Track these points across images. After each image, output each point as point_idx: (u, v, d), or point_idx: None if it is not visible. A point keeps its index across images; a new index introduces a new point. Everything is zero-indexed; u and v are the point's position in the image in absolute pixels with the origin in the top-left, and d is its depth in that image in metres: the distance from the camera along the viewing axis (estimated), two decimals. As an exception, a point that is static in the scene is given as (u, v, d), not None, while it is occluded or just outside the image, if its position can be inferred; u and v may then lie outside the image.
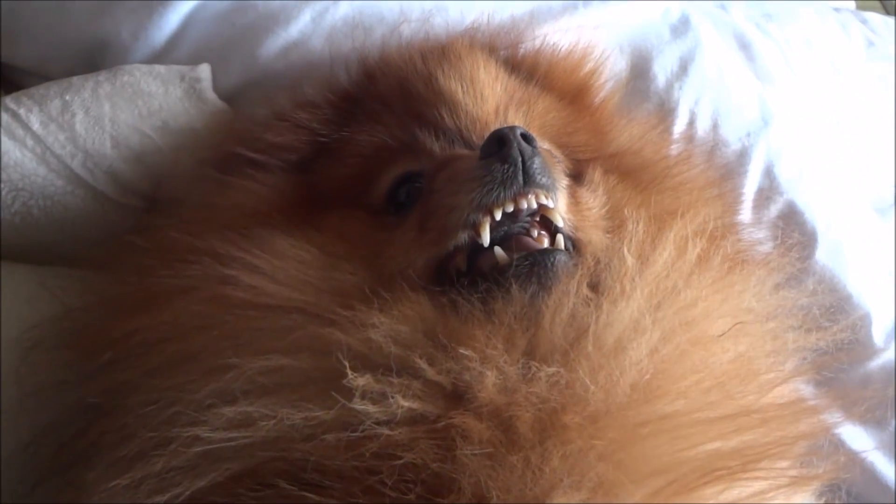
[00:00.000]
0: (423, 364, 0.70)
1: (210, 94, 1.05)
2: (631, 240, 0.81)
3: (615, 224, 0.89)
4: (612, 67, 1.14)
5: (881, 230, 1.24)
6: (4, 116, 0.99)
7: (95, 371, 0.79)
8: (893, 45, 1.54)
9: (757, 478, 0.71)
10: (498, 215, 0.78)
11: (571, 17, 1.22)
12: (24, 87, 1.07)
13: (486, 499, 0.64)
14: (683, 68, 1.22)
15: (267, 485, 0.67)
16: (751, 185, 1.17)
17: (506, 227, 0.79)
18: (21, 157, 0.98)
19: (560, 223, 0.82)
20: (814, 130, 1.29)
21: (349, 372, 0.69)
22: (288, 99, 1.02)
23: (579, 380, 0.69)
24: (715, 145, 1.17)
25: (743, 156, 1.18)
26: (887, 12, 1.97)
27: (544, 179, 0.79)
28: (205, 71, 1.07)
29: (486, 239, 0.78)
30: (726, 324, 0.77)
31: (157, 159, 1.01)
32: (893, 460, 1.06)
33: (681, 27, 1.27)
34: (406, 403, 0.68)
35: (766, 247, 1.10)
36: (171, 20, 1.11)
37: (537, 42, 1.09)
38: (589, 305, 0.74)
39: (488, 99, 0.93)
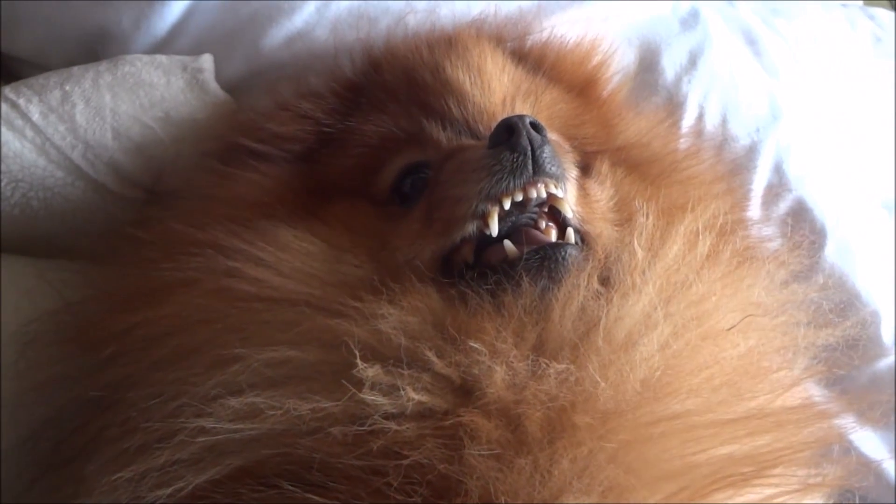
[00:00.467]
0: (432, 356, 0.69)
1: (212, 85, 1.04)
2: (641, 233, 0.80)
3: (623, 217, 0.88)
4: (620, 60, 1.13)
5: (890, 228, 1.23)
6: (4, 107, 0.97)
7: (97, 365, 0.78)
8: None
9: (770, 484, 0.70)
10: (507, 205, 0.77)
11: (579, 9, 1.20)
12: (23, 78, 1.06)
13: (493, 502, 0.63)
14: (692, 62, 1.20)
15: (270, 485, 0.66)
16: (760, 181, 1.15)
17: (513, 218, 0.78)
18: (20, 148, 0.96)
19: (569, 214, 0.81)
20: (822, 127, 1.28)
21: (359, 362, 0.68)
22: (291, 89, 1.01)
23: (589, 376, 0.68)
24: (724, 140, 1.16)
25: (752, 151, 1.16)
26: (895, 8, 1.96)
27: (554, 169, 0.78)
28: (207, 61, 1.05)
29: (494, 229, 0.77)
30: (736, 318, 0.77)
31: (159, 151, 0.99)
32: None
33: (690, 20, 1.26)
34: (415, 396, 0.67)
35: (775, 243, 1.09)
36: (174, 10, 1.09)
37: (545, 34, 1.07)
38: (599, 299, 0.73)
39: (495, 90, 0.92)
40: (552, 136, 0.87)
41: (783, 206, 1.15)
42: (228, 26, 1.10)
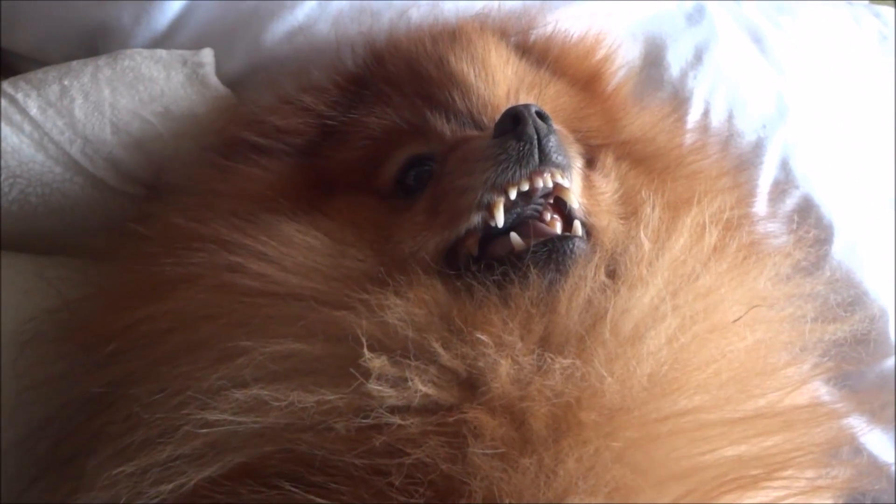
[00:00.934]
0: (438, 348, 0.68)
1: (213, 80, 1.03)
2: (647, 224, 0.79)
3: (627, 210, 0.87)
4: (624, 55, 1.12)
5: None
6: (2, 101, 0.97)
7: (98, 363, 0.77)
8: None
9: (779, 486, 0.69)
10: (513, 194, 0.76)
11: (583, 4, 1.19)
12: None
13: (497, 503, 0.62)
14: (698, 57, 1.19)
15: (270, 486, 0.65)
16: (766, 178, 1.14)
17: (518, 210, 0.78)
18: (19, 144, 0.96)
19: (575, 205, 0.80)
20: (827, 124, 1.26)
21: (366, 352, 0.67)
22: (293, 83, 1.00)
23: (595, 371, 0.67)
24: (729, 136, 1.15)
25: (758, 147, 1.15)
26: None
27: (560, 158, 0.78)
28: (207, 56, 1.04)
29: (500, 220, 0.76)
30: (742, 310, 0.76)
31: (158, 146, 0.98)
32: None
33: (696, 15, 1.26)
34: (423, 388, 0.66)
35: (782, 239, 1.08)
36: (174, 4, 1.08)
37: (549, 28, 1.06)
38: (606, 292, 0.72)
39: (500, 82, 0.91)
40: (557, 126, 0.86)
41: (790, 202, 1.14)
42: (229, 21, 1.09)
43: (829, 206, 1.14)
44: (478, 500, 0.62)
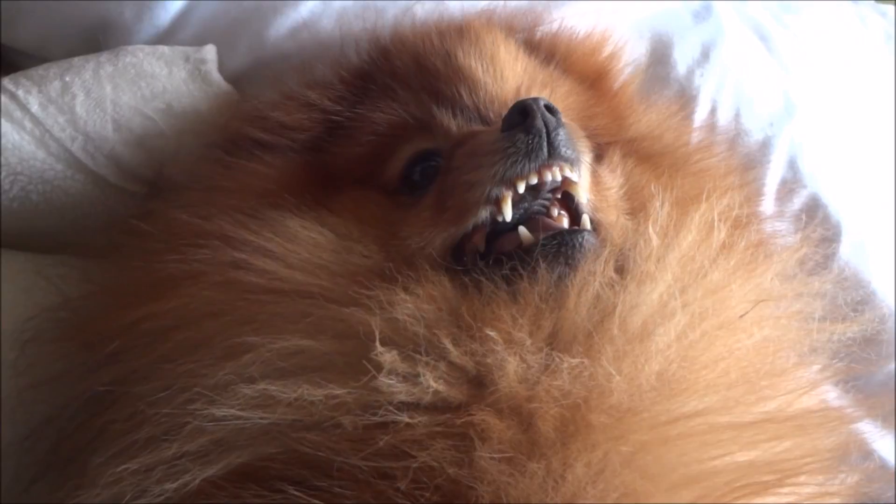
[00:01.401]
0: (448, 344, 0.67)
1: (215, 76, 1.02)
2: (656, 220, 0.78)
3: (634, 207, 0.86)
4: (631, 52, 1.10)
5: None
6: (3, 98, 0.96)
7: (100, 361, 0.76)
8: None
9: (790, 493, 0.68)
10: (521, 188, 0.75)
11: (588, 2, 1.18)
12: (24, 70, 1.04)
13: None
14: (705, 55, 1.18)
15: (274, 490, 0.64)
16: (774, 176, 1.14)
17: (525, 205, 0.77)
18: (19, 141, 0.95)
19: (584, 200, 0.79)
20: (834, 124, 1.25)
21: (378, 346, 0.66)
22: (297, 79, 0.99)
23: (603, 370, 0.66)
24: (736, 134, 1.14)
25: (766, 146, 1.15)
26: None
27: (569, 152, 0.77)
28: (210, 52, 1.03)
29: (508, 214, 0.76)
30: (750, 306, 0.75)
31: (160, 143, 0.97)
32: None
33: (703, 13, 1.25)
34: (433, 384, 0.65)
35: (789, 238, 1.07)
36: (176, 1, 1.08)
37: (554, 25, 1.05)
38: (614, 287, 0.71)
39: (508, 78, 0.90)
40: (566, 120, 0.85)
41: (797, 201, 1.14)
42: (232, 17, 1.09)
43: (837, 206, 1.13)
44: None
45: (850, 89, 1.35)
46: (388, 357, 0.66)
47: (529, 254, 0.73)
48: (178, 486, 0.65)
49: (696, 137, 1.08)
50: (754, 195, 1.07)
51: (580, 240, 0.74)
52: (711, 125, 1.14)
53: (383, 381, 0.65)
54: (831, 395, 0.87)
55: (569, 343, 0.68)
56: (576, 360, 0.66)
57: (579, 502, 0.61)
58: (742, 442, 0.67)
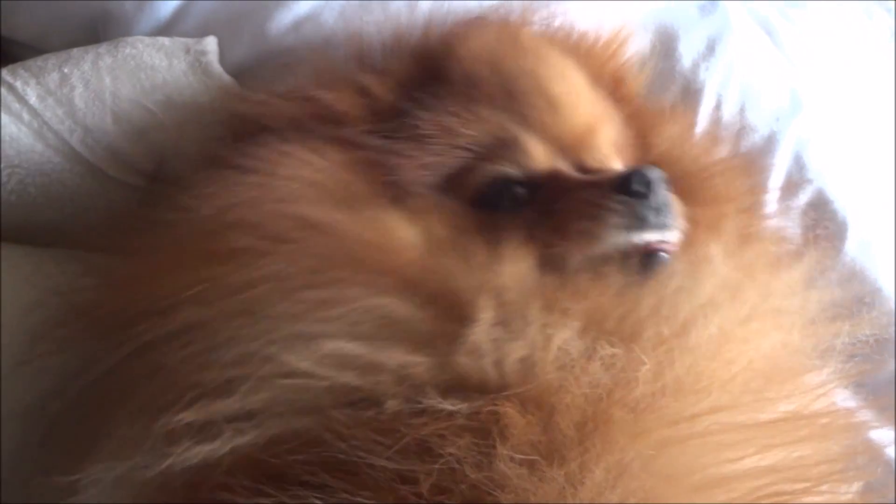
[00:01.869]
0: (537, 319, 0.69)
1: (216, 68, 1.00)
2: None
3: None
4: (635, 46, 1.09)
5: None
6: (1, 90, 0.95)
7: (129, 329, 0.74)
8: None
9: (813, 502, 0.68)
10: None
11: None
12: (23, 62, 1.03)
13: None
14: (711, 48, 1.17)
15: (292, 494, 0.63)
16: (779, 172, 1.13)
17: None
18: (17, 133, 0.94)
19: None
20: (840, 120, 1.24)
21: (480, 309, 0.68)
22: (347, 54, 0.96)
23: (634, 358, 0.67)
24: (741, 129, 1.13)
25: (771, 142, 1.13)
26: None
27: (672, 222, 0.82)
28: (211, 44, 1.02)
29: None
30: (764, 310, 0.77)
31: (160, 135, 0.96)
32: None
33: (709, 6, 1.23)
34: (518, 353, 0.67)
35: (796, 235, 1.07)
36: (178, -11, 1.06)
37: (557, 20, 1.04)
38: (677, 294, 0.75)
39: (583, 113, 0.92)
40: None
41: (803, 197, 1.12)
42: (234, 9, 1.07)
43: (843, 202, 1.12)
44: None
45: (856, 85, 1.33)
46: (482, 327, 0.67)
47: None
48: (206, 453, 0.64)
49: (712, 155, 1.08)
50: (761, 195, 1.08)
51: (663, 256, 0.80)
52: (716, 119, 1.12)
53: (465, 354, 0.66)
54: (841, 397, 0.87)
55: (614, 334, 0.69)
56: (613, 350, 0.67)
57: None
58: (758, 444, 0.67)
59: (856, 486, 0.74)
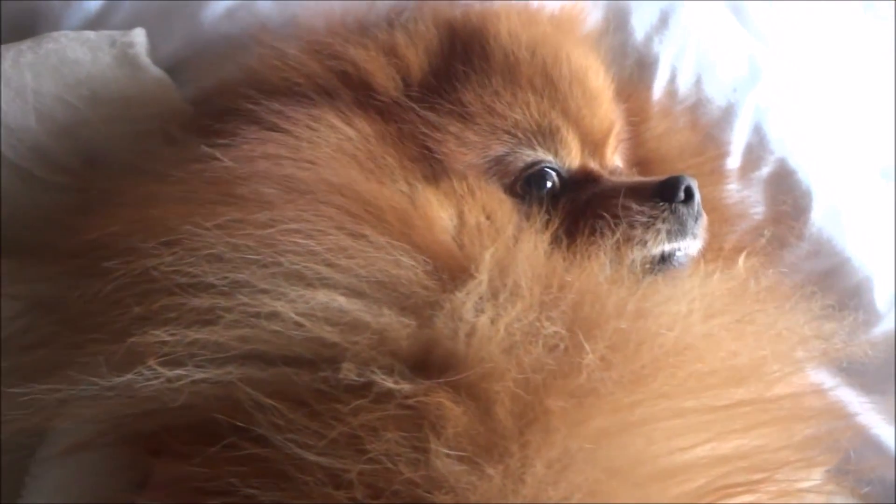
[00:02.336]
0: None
1: (144, 60, 0.97)
2: None
3: None
4: (588, 20, 1.06)
5: (885, 194, 1.17)
6: (-79, 93, 0.91)
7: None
8: (893, 4, 1.45)
9: (772, 492, 0.65)
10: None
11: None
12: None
13: None
14: (663, 20, 1.14)
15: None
16: (738, 144, 1.10)
17: None
18: (-62, 136, 0.90)
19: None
20: (808, 90, 1.22)
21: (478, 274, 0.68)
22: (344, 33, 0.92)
23: (579, 344, 0.64)
24: (698, 102, 1.10)
25: (729, 113, 1.11)
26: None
27: (700, 231, 0.86)
28: (138, 35, 0.99)
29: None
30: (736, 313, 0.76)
31: (87, 132, 0.92)
32: (894, 427, 1.00)
33: (660, -22, 1.19)
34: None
35: (759, 208, 1.06)
36: (105, -20, 1.03)
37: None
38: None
39: (609, 110, 0.93)
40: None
41: (765, 169, 1.10)
42: (165, -1, 1.04)
43: (807, 171, 1.10)
44: None
45: (824, 54, 1.31)
46: (468, 293, 0.66)
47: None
48: (167, 378, 0.63)
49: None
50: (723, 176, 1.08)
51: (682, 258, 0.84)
52: (671, 92, 1.09)
53: (444, 318, 0.65)
54: (818, 378, 0.86)
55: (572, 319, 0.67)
56: (555, 328, 0.65)
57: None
58: (713, 430, 0.65)
59: (819, 473, 0.72)
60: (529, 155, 0.86)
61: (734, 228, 1.02)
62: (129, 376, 0.63)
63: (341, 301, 0.65)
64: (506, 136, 0.86)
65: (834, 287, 1.04)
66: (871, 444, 0.99)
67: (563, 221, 0.81)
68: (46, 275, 0.78)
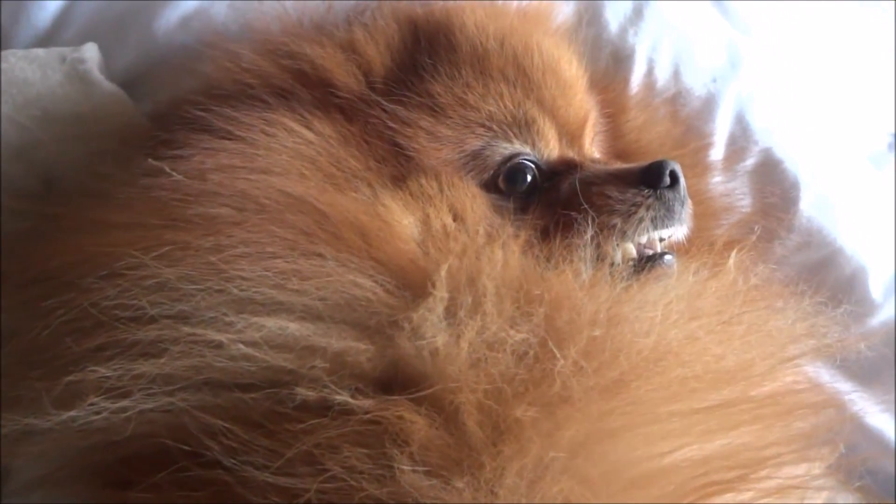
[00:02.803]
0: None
1: (96, 76, 0.94)
2: None
3: None
4: (559, 14, 1.03)
5: (876, 180, 1.15)
6: None
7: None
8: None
9: (753, 489, 0.63)
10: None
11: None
12: None
13: None
14: (638, 12, 1.11)
15: None
16: (720, 135, 1.07)
17: None
18: None
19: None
20: (793, 77, 1.19)
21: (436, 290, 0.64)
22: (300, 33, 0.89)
23: (549, 352, 0.62)
24: (677, 94, 1.07)
25: (710, 103, 1.08)
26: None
27: (687, 216, 0.84)
28: (90, 50, 0.96)
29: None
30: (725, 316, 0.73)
31: (41, 153, 0.89)
32: (894, 419, 0.98)
33: (631, -32, 1.17)
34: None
35: (746, 200, 1.04)
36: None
37: None
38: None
39: (583, 99, 0.91)
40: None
41: (751, 161, 1.07)
42: (116, 11, 1.01)
43: (794, 160, 1.07)
44: None
45: (816, 42, 1.28)
46: (429, 308, 0.63)
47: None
48: (112, 411, 0.61)
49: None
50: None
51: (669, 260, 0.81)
52: (649, 85, 1.06)
53: (406, 337, 0.62)
54: (812, 371, 0.84)
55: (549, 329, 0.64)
56: (521, 336, 0.62)
57: None
58: (696, 432, 0.62)
59: (807, 467, 0.69)
60: (507, 148, 0.83)
61: (721, 222, 0.99)
62: (72, 413, 0.61)
63: (293, 327, 0.62)
64: (481, 130, 0.83)
65: (827, 279, 1.02)
66: (870, 435, 0.96)
67: (541, 217, 0.79)
68: (6, 305, 0.75)
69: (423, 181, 0.78)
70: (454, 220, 0.77)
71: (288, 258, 0.65)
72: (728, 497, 0.62)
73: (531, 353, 0.62)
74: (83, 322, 0.64)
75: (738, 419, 0.65)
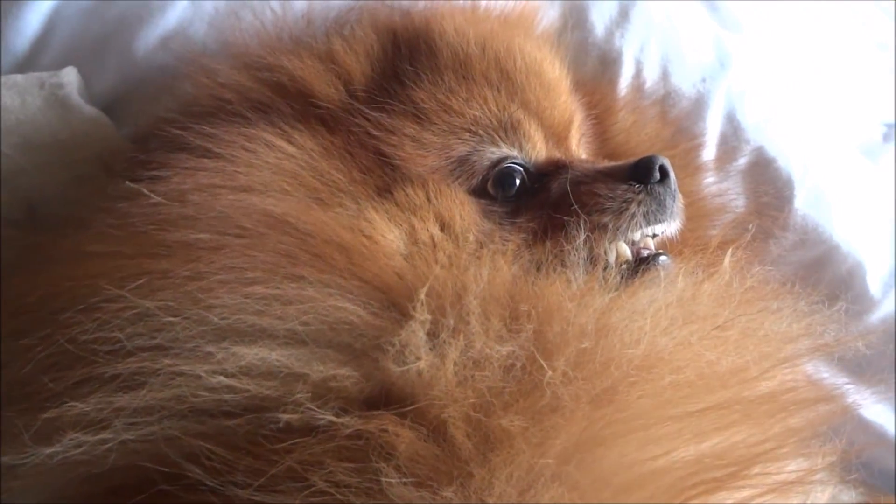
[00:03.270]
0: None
1: (75, 100, 0.92)
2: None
3: None
4: (544, 18, 1.02)
5: (870, 173, 1.14)
6: None
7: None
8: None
9: (747, 486, 0.62)
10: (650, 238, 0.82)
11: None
12: None
13: None
14: (624, 14, 1.10)
15: None
16: (711, 134, 1.06)
17: None
18: None
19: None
20: (784, 74, 1.19)
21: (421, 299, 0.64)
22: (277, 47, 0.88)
23: (537, 364, 0.61)
24: (666, 95, 1.06)
25: (700, 103, 1.07)
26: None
27: (678, 211, 0.83)
28: (69, 74, 0.94)
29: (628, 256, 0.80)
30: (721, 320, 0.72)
31: (24, 181, 0.88)
32: (894, 414, 0.98)
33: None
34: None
35: (739, 200, 1.03)
36: (31, 21, 0.98)
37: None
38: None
39: (568, 101, 0.90)
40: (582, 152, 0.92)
41: (743, 160, 1.06)
42: (95, 32, 0.99)
43: (787, 157, 1.06)
44: None
45: (807, 38, 1.28)
46: (413, 329, 0.62)
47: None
48: (93, 444, 0.60)
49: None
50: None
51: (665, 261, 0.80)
52: (638, 87, 1.05)
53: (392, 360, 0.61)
54: (810, 368, 0.83)
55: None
56: (508, 349, 0.62)
57: None
58: (688, 435, 0.62)
59: (796, 463, 0.68)
60: (494, 152, 0.82)
61: (715, 223, 0.98)
62: (52, 449, 0.60)
63: (276, 355, 0.61)
64: (466, 135, 0.82)
65: (824, 276, 1.02)
66: (870, 431, 0.96)
67: (532, 220, 0.79)
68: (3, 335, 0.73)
69: (410, 190, 0.77)
70: (442, 229, 0.76)
71: (269, 283, 0.64)
72: (721, 495, 0.61)
73: (519, 365, 0.62)
74: (61, 357, 0.63)
75: (731, 419, 0.64)
